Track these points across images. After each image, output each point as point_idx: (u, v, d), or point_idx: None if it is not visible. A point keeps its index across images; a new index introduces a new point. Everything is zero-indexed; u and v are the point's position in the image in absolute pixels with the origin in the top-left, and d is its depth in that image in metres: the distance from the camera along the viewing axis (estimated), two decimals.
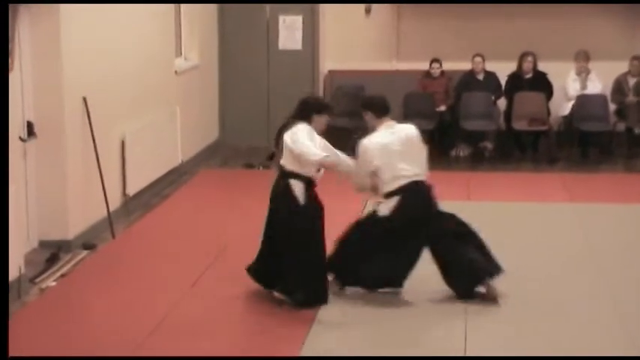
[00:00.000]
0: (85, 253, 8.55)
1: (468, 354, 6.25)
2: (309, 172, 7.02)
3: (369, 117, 7.41)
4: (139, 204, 10.09)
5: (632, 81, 12.47)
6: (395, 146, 7.20)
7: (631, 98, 12.38)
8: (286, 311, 6.98)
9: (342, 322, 6.86)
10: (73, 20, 8.59)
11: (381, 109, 7.41)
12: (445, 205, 10.08)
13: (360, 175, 7.20)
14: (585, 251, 8.53)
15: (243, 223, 9.42)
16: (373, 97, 7.68)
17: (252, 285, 7.48)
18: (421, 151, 7.51)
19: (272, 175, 11.80)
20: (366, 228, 7.32)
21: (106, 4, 9.28)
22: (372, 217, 7.34)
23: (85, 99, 8.85)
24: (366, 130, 7.43)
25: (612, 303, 7.20)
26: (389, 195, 7.16)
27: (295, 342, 6.41)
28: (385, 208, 7.16)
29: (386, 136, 7.24)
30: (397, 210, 7.11)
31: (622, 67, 12.51)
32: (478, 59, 12.65)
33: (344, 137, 13.07)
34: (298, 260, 6.92)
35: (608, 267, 8.03)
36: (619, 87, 12.51)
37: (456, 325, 6.73)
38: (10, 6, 7.34)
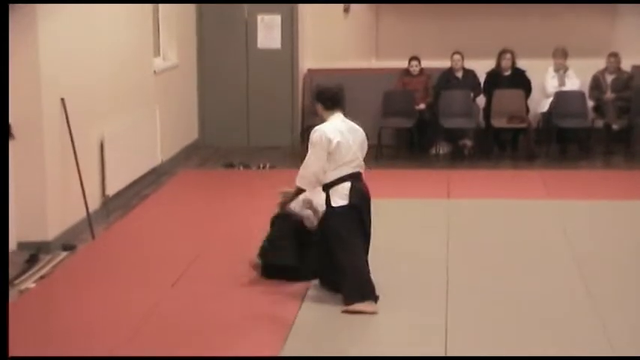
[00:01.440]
0: (64, 254, 8.53)
1: (449, 349, 6.26)
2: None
3: (319, 108, 7.20)
4: (118, 204, 10.06)
5: (609, 78, 12.53)
6: (347, 133, 7.07)
7: (609, 95, 12.45)
8: (266, 312, 6.98)
9: (322, 323, 6.82)
10: (51, 21, 8.57)
11: (331, 102, 7.15)
12: (425, 202, 10.20)
13: (318, 164, 6.96)
14: (564, 247, 8.56)
15: (223, 222, 9.43)
16: (326, 89, 7.28)
17: (233, 284, 7.50)
18: (364, 148, 7.33)
19: (252, 174, 11.82)
20: (332, 224, 7.10)
21: (84, 4, 9.26)
22: (332, 212, 7.08)
23: (63, 100, 8.83)
24: None
25: (589, 297, 7.23)
26: (337, 182, 7.02)
27: (275, 343, 6.41)
28: (338, 198, 7.02)
29: (338, 124, 7.08)
30: (353, 195, 7.03)
31: (599, 63, 12.58)
32: (457, 57, 12.69)
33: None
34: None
35: (586, 262, 8.06)
36: (597, 84, 12.57)
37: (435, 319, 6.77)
38: None
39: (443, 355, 6.16)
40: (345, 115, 7.20)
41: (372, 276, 7.04)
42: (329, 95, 7.16)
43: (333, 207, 7.03)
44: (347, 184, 7.01)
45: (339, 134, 6.97)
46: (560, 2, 12.64)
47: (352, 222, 7.05)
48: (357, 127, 7.21)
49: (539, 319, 6.81)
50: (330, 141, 6.91)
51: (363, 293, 6.93)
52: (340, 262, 7.00)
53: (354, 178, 7.09)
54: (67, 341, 6.55)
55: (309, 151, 7.01)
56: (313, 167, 6.98)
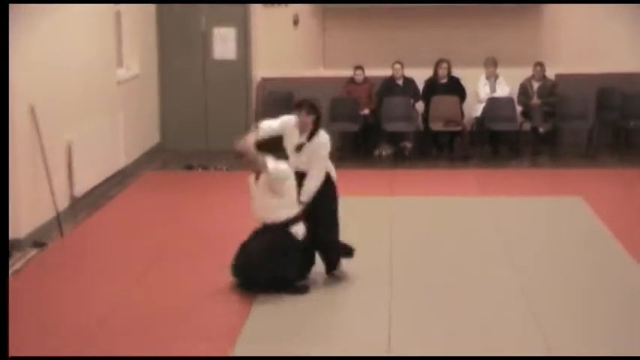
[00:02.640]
0: (35, 250, 8.43)
1: (392, 349, 6.28)
2: None
3: (311, 120, 7.20)
4: (85, 204, 9.97)
5: (535, 85, 12.66)
6: None
7: (535, 100, 12.57)
8: (225, 303, 6.96)
9: (275, 314, 6.80)
10: (21, 33, 8.46)
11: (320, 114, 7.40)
12: (370, 200, 10.24)
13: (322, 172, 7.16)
14: (496, 239, 8.63)
15: (185, 220, 9.38)
16: (316, 102, 7.52)
17: (193, 278, 7.48)
18: None
19: (210, 175, 11.76)
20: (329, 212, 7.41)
21: (53, 15, 9.16)
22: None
23: (32, 107, 8.72)
24: None
25: (518, 284, 7.30)
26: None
27: (232, 333, 6.39)
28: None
29: None
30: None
31: (527, 72, 12.70)
32: (397, 66, 12.74)
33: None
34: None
35: (517, 255, 8.15)
36: (524, 90, 12.70)
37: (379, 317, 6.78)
38: None
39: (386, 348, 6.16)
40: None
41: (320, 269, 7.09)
42: (319, 108, 7.31)
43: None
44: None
45: None
46: (490, 2, 12.71)
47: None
48: None
49: (475, 308, 6.85)
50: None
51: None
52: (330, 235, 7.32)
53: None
54: (38, 332, 6.48)
55: (319, 165, 7.10)
56: (318, 182, 7.12)
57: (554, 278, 7.53)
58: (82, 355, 6.04)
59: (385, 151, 12.80)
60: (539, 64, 12.67)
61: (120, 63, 11.94)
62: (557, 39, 13.07)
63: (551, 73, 12.81)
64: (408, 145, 12.80)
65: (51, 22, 9.21)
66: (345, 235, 8.75)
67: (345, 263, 7.52)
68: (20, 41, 8.46)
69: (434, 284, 7.36)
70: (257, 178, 7.12)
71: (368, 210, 9.81)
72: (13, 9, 8.22)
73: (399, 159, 12.58)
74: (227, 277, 7.24)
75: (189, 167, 12.03)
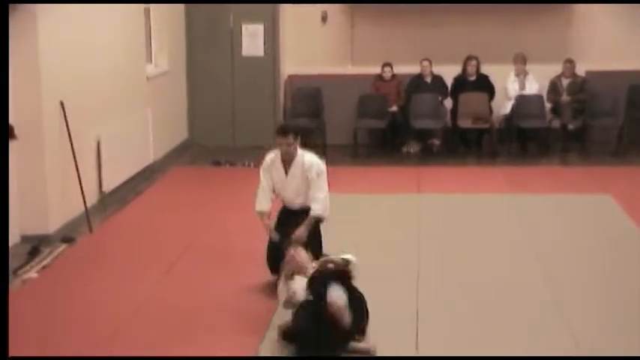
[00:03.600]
0: (64, 246, 8.49)
1: (420, 347, 6.27)
2: None
3: (296, 143, 7.03)
4: (114, 200, 10.02)
5: (565, 82, 12.59)
6: None
7: (565, 97, 12.51)
8: (252, 299, 6.97)
9: None
10: (51, 28, 8.53)
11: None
12: (397, 197, 10.22)
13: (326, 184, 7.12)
14: (525, 237, 8.60)
15: (212, 215, 9.42)
16: (298, 125, 7.54)
17: (221, 272, 7.50)
18: None
19: (238, 171, 11.80)
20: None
21: (82, 12, 9.22)
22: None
23: (62, 102, 8.78)
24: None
25: (549, 285, 7.27)
26: None
27: (259, 329, 6.40)
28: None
29: None
30: None
31: (556, 69, 12.63)
32: (426, 63, 12.71)
33: (304, 135, 13.15)
34: None
35: (545, 251, 8.11)
36: (554, 87, 12.63)
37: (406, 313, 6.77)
38: None
39: (414, 348, 6.13)
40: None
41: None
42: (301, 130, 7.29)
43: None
44: None
45: None
46: (521, 10, 12.67)
47: None
48: None
49: (504, 309, 6.79)
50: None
51: None
52: None
53: None
54: (66, 326, 6.53)
55: (323, 180, 7.04)
56: (327, 193, 7.10)
57: (582, 276, 7.48)
58: (108, 355, 6.07)
59: (413, 148, 12.78)
60: (569, 61, 12.60)
61: (149, 59, 12.00)
62: (588, 35, 12.97)
63: (581, 69, 12.73)
64: (436, 142, 12.78)
65: (80, 17, 9.26)
66: (372, 233, 8.79)
67: (373, 260, 7.50)
68: (50, 37, 8.52)
69: (461, 282, 7.33)
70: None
71: (395, 207, 9.80)
72: (41, 5, 8.30)
73: (427, 156, 12.55)
74: (259, 276, 7.26)
75: (217, 163, 12.06)
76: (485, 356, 5.67)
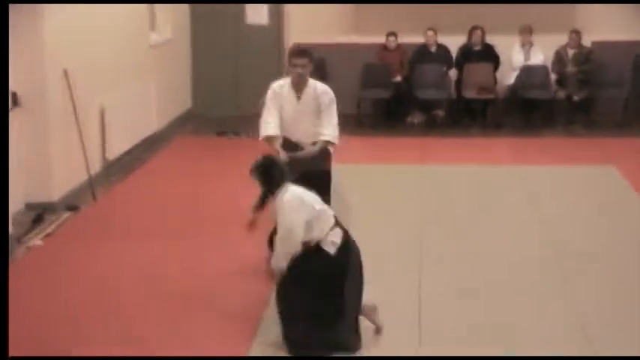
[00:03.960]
0: (68, 214, 8.52)
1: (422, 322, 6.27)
2: None
3: (310, 68, 6.69)
4: (118, 168, 10.03)
5: (570, 52, 12.53)
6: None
7: (570, 68, 12.45)
8: (253, 274, 6.91)
9: None
10: None
11: (287, 57, 6.86)
12: (401, 167, 10.21)
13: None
14: (528, 209, 8.60)
15: (217, 185, 9.42)
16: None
17: (223, 240, 7.51)
18: None
19: (242, 140, 11.77)
20: None
21: None
22: None
23: (65, 71, 8.77)
24: None
25: (553, 257, 7.28)
26: None
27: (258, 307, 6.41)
28: None
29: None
30: None
31: (562, 39, 12.57)
32: (430, 33, 12.65)
33: None
34: None
35: (549, 222, 8.12)
36: (559, 58, 12.58)
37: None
38: None
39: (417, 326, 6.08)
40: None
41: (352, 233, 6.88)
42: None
43: None
44: None
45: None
46: None
47: None
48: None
49: (506, 280, 6.79)
50: None
51: None
52: None
53: None
54: (70, 294, 6.56)
55: (334, 109, 6.64)
56: (337, 121, 6.71)
57: (586, 247, 7.48)
58: (113, 356, 6.08)
59: (417, 118, 12.74)
60: (575, 32, 12.53)
61: (152, 27, 11.95)
62: (594, 6, 12.89)
63: (587, 40, 12.66)
64: (440, 112, 12.74)
65: None
66: (376, 203, 8.79)
67: (376, 231, 7.49)
68: (53, 5, 8.48)
69: (464, 253, 7.34)
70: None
71: (398, 178, 9.79)
72: None
73: (431, 127, 12.52)
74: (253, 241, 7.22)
75: (221, 133, 12.04)
76: (486, 356, 5.51)
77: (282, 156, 6.40)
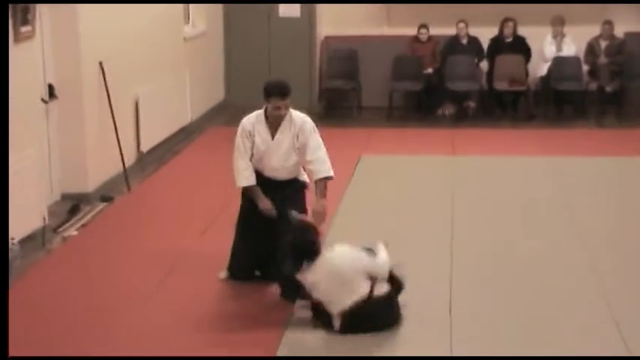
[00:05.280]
0: (103, 204, 8.56)
1: (453, 313, 6.24)
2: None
3: (287, 104, 6.20)
4: (152, 159, 10.07)
5: (603, 44, 12.42)
6: None
7: (602, 60, 12.34)
8: None
9: None
10: None
11: (265, 93, 6.21)
12: (432, 159, 10.17)
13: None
14: (560, 201, 8.52)
15: None
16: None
17: None
18: None
19: None
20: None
21: None
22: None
23: (101, 63, 8.81)
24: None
25: (584, 248, 7.21)
26: None
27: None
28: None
29: None
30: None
31: (594, 31, 12.45)
32: (462, 25, 12.58)
33: (339, 97, 13.12)
34: None
35: (581, 216, 8.03)
36: (591, 49, 12.46)
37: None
38: None
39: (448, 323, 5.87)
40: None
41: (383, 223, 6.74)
42: (265, 87, 6.26)
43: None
44: None
45: None
46: None
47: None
48: None
49: (537, 274, 6.70)
50: None
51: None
52: None
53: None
54: (105, 283, 6.60)
55: (318, 136, 6.13)
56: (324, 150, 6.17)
57: (618, 240, 7.40)
58: (112, 356, 6.10)
59: (448, 110, 12.69)
60: (608, 23, 12.41)
61: (187, 20, 11.98)
62: None
63: (619, 31, 12.53)
64: (472, 104, 12.68)
65: None
66: (407, 194, 8.76)
67: (407, 222, 7.46)
68: None
69: (495, 245, 7.28)
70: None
71: (430, 169, 9.76)
72: None
73: (462, 118, 12.46)
74: None
75: None
76: (508, 356, 5.31)
77: (272, 211, 6.13)
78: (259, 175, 6.24)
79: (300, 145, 6.08)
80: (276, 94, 6.06)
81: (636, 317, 5.84)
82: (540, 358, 5.32)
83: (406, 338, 5.59)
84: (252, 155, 6.17)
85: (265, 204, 6.14)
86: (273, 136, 6.14)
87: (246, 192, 6.32)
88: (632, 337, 5.52)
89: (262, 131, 6.14)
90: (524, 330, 5.70)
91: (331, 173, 6.10)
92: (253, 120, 6.21)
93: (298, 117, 6.14)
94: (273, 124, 6.13)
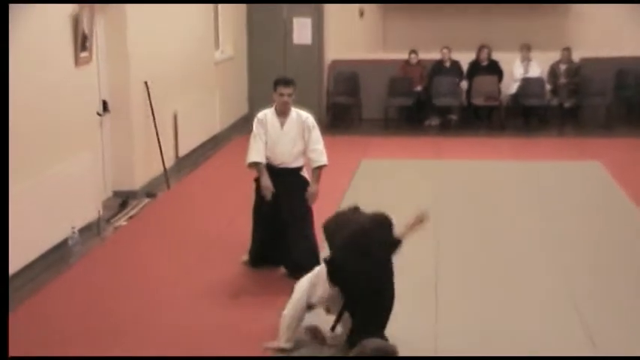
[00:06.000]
0: (147, 200, 8.59)
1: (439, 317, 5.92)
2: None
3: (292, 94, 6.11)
4: (187, 163, 10.10)
5: (563, 67, 12.39)
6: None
7: (562, 80, 12.32)
8: None
9: None
10: (137, 21, 8.57)
11: (274, 85, 6.15)
12: (420, 162, 10.18)
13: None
14: (526, 198, 8.53)
15: None
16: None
17: None
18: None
19: None
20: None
21: (163, 7, 9.24)
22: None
23: (146, 83, 8.84)
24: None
25: (546, 240, 7.21)
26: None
27: None
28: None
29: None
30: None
31: (555, 56, 12.44)
32: (445, 50, 12.57)
33: (343, 110, 13.13)
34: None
35: (544, 212, 8.04)
36: (553, 72, 12.44)
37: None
38: (88, 9, 7.29)
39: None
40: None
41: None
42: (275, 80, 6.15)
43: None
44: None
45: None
46: (526, 2, 12.46)
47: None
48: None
49: (503, 257, 6.71)
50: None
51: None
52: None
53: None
54: (148, 263, 6.64)
55: (318, 131, 6.13)
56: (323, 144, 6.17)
57: (575, 230, 7.41)
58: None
59: (434, 122, 12.68)
60: (567, 49, 12.40)
61: (217, 46, 12.01)
62: (583, 27, 12.73)
63: (576, 56, 12.51)
64: (454, 117, 12.67)
65: (162, 12, 9.27)
66: (400, 191, 8.77)
67: (397, 213, 7.47)
68: (137, 28, 8.56)
69: (473, 234, 7.33)
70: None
71: (418, 170, 9.77)
72: (129, 5, 8.32)
73: (446, 129, 12.45)
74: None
75: None
76: (492, 356, 4.91)
77: (269, 193, 6.06)
78: (270, 165, 6.13)
79: (302, 137, 6.09)
80: (281, 83, 6.08)
81: (601, 313, 5.61)
82: (531, 358, 4.91)
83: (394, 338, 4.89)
84: (265, 142, 6.10)
85: (266, 182, 6.07)
86: (282, 126, 6.11)
87: (256, 179, 6.19)
88: (598, 333, 5.25)
89: (274, 121, 6.11)
90: (497, 328, 5.37)
91: (326, 162, 6.10)
92: (266, 112, 6.21)
93: (302, 113, 6.16)
94: (282, 114, 6.11)
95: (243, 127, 12.60)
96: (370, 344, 4.49)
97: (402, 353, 4.67)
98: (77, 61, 7.20)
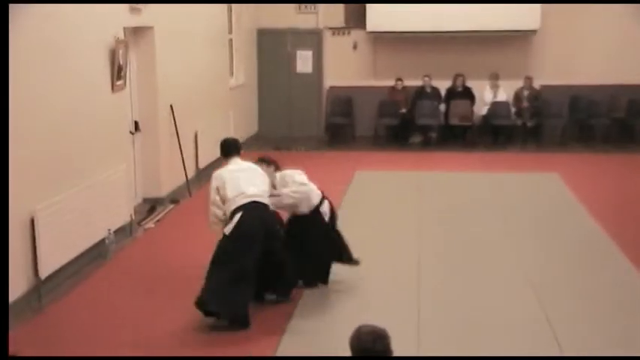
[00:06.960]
0: (172, 205, 8.62)
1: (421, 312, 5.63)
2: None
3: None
4: (206, 173, 10.05)
5: (525, 92, 12.46)
6: (239, 172, 5.49)
7: (525, 104, 12.38)
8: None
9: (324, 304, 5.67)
10: (164, 52, 8.62)
11: (225, 151, 5.71)
12: (405, 173, 10.22)
13: (214, 203, 5.40)
14: (494, 204, 8.56)
15: None
16: (224, 141, 5.80)
17: None
18: (263, 178, 5.59)
19: (292, 153, 11.80)
20: (216, 250, 5.28)
21: (186, 40, 9.29)
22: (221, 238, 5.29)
23: (171, 106, 8.88)
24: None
25: (508, 236, 7.23)
26: (233, 213, 5.23)
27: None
28: (229, 226, 5.21)
29: (232, 167, 5.60)
30: (238, 225, 5.16)
31: (519, 83, 12.50)
32: (427, 78, 12.63)
33: (340, 129, 13.18)
34: None
35: (509, 215, 8.08)
36: (517, 96, 12.50)
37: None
38: (124, 45, 7.36)
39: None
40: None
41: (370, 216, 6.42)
42: (223, 146, 5.75)
43: (223, 233, 5.27)
44: (237, 215, 5.21)
45: (231, 176, 5.42)
46: (494, 40, 12.54)
47: (234, 246, 5.19)
48: (253, 166, 5.65)
49: (476, 261, 6.65)
50: (222, 181, 5.43)
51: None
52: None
53: (245, 208, 5.24)
54: (173, 259, 6.67)
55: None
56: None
57: (535, 229, 7.45)
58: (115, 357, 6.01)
59: (417, 139, 12.73)
60: (529, 78, 12.46)
61: (231, 74, 12.05)
62: (542, 59, 12.81)
63: (537, 84, 12.58)
64: (433, 135, 12.71)
65: (185, 44, 9.33)
66: (388, 197, 8.80)
67: (383, 218, 7.47)
68: (164, 57, 8.60)
69: (451, 233, 7.35)
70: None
71: (402, 180, 9.80)
72: (157, 35, 8.37)
73: (426, 145, 12.50)
74: None
75: (277, 148, 12.09)
76: (484, 356, 4.62)
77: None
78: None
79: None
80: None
81: (554, 290, 5.66)
82: (533, 358, 4.63)
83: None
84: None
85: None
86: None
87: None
88: (562, 331, 5.03)
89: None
90: (473, 315, 5.29)
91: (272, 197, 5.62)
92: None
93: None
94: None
95: (253, 143, 12.68)
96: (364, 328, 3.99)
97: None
98: (113, 88, 7.26)
